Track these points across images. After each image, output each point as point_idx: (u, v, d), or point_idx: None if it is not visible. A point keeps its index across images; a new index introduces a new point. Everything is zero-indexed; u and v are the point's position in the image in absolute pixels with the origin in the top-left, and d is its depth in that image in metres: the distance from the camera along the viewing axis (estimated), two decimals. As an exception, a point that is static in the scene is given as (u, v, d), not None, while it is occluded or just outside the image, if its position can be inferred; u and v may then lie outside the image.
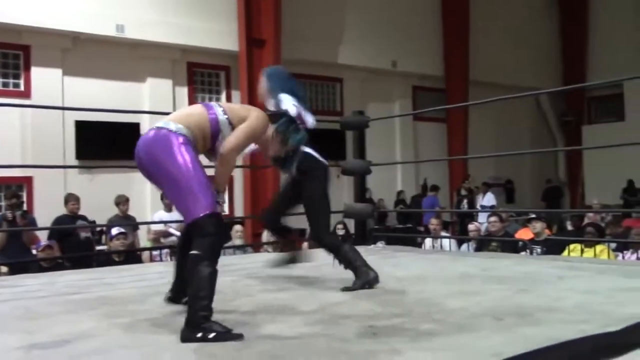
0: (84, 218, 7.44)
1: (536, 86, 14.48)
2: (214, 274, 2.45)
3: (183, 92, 11.55)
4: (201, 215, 2.48)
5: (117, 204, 8.07)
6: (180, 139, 2.57)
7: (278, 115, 3.00)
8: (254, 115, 2.77)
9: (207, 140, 2.70)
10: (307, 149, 3.67)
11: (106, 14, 10.30)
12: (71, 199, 7.54)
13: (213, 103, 2.82)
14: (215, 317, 2.46)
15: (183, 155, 2.54)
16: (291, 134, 2.98)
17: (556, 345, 1.42)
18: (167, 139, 2.57)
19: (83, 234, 7.39)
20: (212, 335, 2.35)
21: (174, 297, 2.95)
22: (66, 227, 7.15)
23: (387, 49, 13.96)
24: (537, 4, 17.57)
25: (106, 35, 10.39)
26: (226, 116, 2.72)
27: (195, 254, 2.45)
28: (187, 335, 2.37)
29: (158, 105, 10.07)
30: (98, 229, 9.05)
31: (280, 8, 11.59)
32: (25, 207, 9.98)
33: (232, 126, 2.72)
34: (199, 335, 2.35)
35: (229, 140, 2.68)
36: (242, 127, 2.71)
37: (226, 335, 2.38)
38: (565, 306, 2.85)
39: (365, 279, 3.44)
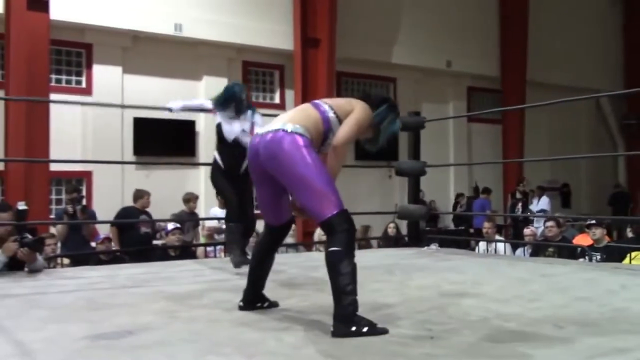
0: (147, 214, 7.59)
1: (596, 87, 14.06)
2: (355, 269, 2.51)
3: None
4: (335, 213, 2.53)
5: (187, 200, 8.10)
6: (304, 141, 2.62)
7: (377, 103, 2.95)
8: (359, 107, 2.82)
9: (320, 138, 2.76)
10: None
11: (165, 13, 10.52)
12: (144, 195, 7.69)
13: (320, 101, 2.87)
14: (268, 315, 2.48)
15: (311, 156, 2.59)
16: (389, 124, 2.98)
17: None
18: (293, 140, 2.61)
19: (143, 229, 7.53)
20: (365, 329, 2.43)
21: (247, 304, 2.96)
22: (125, 221, 7.30)
23: (442, 48, 13.80)
24: (600, 2, 17.07)
25: (165, 34, 10.61)
26: (334, 113, 2.78)
27: (337, 251, 2.49)
28: (342, 330, 2.42)
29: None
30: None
31: (335, 8, 11.60)
32: (84, 201, 10.34)
33: (340, 121, 2.78)
34: (354, 329, 2.42)
35: (341, 133, 2.74)
36: (351, 119, 2.77)
37: (375, 329, 2.46)
38: (629, 316, 2.76)
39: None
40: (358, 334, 2.40)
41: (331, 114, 2.77)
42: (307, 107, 2.86)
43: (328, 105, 2.81)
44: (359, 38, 12.38)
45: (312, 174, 2.55)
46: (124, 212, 7.60)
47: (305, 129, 2.66)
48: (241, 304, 2.95)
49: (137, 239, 7.33)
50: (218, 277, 4.14)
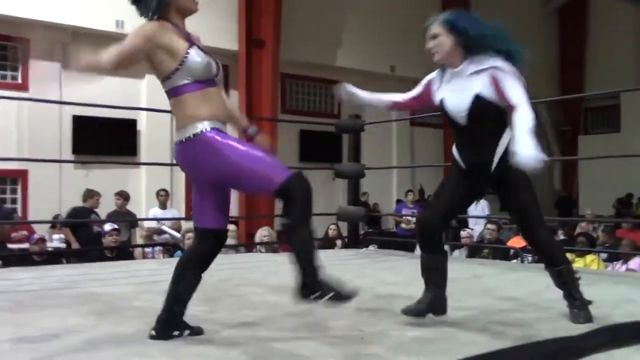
0: (96, 213, 7.51)
1: (533, 95, 14.46)
2: (312, 234, 2.39)
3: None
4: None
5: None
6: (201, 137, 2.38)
7: None
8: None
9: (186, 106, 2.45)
10: None
11: (106, 9, 10.29)
12: (94, 195, 7.61)
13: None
14: (203, 315, 2.47)
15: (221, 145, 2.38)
16: None
17: (516, 347, 1.46)
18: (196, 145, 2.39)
19: (96, 228, 7.42)
20: (329, 295, 2.29)
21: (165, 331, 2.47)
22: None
23: (386, 53, 13.99)
24: (536, 12, 17.64)
25: (106, 30, 10.39)
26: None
27: (289, 224, 2.34)
28: (304, 295, 2.33)
29: (155, 102, 9.99)
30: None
31: (280, 9, 11.62)
32: (19, 200, 10.03)
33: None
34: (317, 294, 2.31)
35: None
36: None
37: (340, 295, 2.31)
38: (550, 315, 2.87)
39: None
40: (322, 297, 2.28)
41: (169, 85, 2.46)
42: (172, 102, 2.49)
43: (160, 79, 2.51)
44: (303, 40, 12.43)
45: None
46: (74, 212, 7.54)
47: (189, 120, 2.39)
48: (153, 332, 2.45)
49: (89, 238, 7.22)
50: (152, 279, 4.09)
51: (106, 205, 8.31)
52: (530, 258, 6.17)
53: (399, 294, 3.47)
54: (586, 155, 16.70)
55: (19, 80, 10.16)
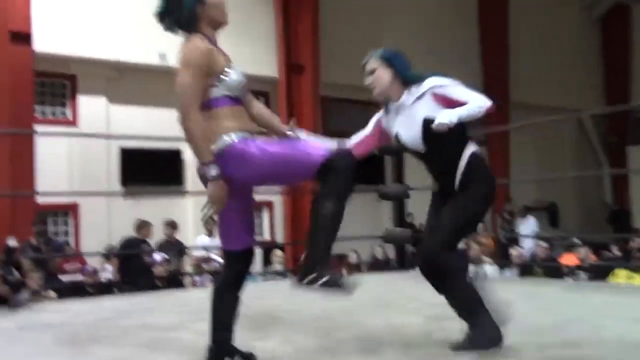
0: (147, 244, 7.60)
1: (579, 107, 14.23)
2: (339, 213, 2.28)
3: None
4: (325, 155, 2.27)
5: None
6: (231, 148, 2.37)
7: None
8: (183, 50, 2.47)
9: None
10: None
11: (149, 43, 10.53)
12: (147, 225, 7.71)
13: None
14: (255, 343, 2.47)
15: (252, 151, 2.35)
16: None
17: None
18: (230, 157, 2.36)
19: (147, 259, 7.51)
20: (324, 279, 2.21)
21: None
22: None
23: (427, 72, 13.90)
24: (579, 23, 17.36)
25: (149, 63, 10.65)
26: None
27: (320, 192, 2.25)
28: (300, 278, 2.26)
29: (199, 132, 10.23)
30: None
31: (318, 33, 11.72)
32: (72, 232, 10.27)
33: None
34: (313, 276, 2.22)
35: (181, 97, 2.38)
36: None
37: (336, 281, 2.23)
38: (606, 336, 2.77)
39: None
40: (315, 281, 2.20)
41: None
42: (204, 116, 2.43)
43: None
44: (343, 63, 12.47)
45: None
46: (127, 243, 7.65)
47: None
48: None
49: (140, 268, 7.29)
50: (202, 307, 4.12)
51: (155, 235, 8.44)
52: (584, 275, 6.00)
53: (448, 315, 3.40)
54: (637, 166, 16.22)
55: (68, 116, 10.46)
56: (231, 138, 2.34)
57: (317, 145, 2.36)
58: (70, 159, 10.21)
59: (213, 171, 2.30)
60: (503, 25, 15.23)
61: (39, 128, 9.52)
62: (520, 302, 3.80)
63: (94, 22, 10.13)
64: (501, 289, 4.39)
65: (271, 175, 2.34)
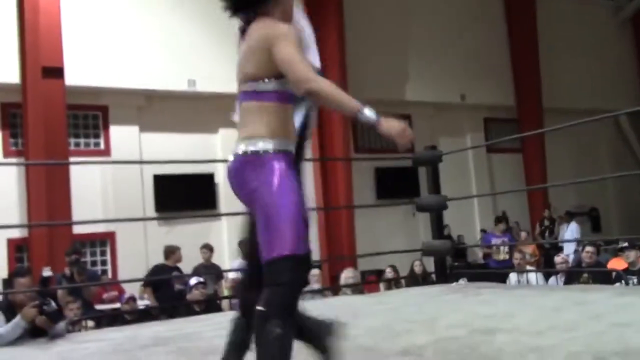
0: (178, 270, 7.52)
1: (614, 108, 13.88)
2: (286, 337, 1.98)
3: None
4: (283, 255, 2.03)
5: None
6: (273, 158, 2.20)
7: None
8: (279, 33, 2.21)
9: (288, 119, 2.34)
10: None
11: (178, 70, 10.67)
12: (175, 250, 7.62)
13: (242, 85, 2.29)
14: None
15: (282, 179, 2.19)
16: None
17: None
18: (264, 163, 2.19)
19: (177, 286, 7.45)
20: None
21: None
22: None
23: (455, 82, 13.79)
24: (607, 22, 17.02)
25: (179, 90, 10.75)
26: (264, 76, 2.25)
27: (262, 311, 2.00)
28: None
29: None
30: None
31: (344, 49, 11.70)
32: (109, 260, 10.34)
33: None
34: None
35: (294, 71, 2.13)
36: (285, 51, 2.16)
37: None
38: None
39: None
40: None
41: (263, 87, 2.21)
42: (246, 107, 2.25)
43: (251, 78, 2.21)
44: (370, 77, 12.44)
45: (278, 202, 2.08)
46: (156, 270, 7.58)
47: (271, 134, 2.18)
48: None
49: (170, 296, 7.26)
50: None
51: (191, 260, 8.43)
52: (635, 280, 5.77)
53: (497, 327, 3.26)
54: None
55: (102, 146, 10.59)
56: (276, 146, 2.16)
57: (302, 236, 2.08)
58: (105, 188, 10.32)
59: (371, 112, 2.08)
60: (532, 29, 15.03)
61: (72, 159, 9.68)
62: (570, 310, 3.64)
63: (123, 53, 10.30)
64: (548, 297, 4.23)
65: (261, 209, 2.11)
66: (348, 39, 11.99)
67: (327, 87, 2.10)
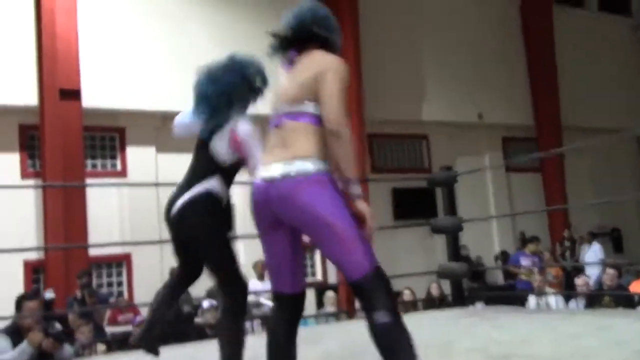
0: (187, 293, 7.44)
1: (635, 126, 13.72)
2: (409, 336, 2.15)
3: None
4: (369, 270, 2.14)
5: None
6: (324, 177, 2.25)
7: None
8: (330, 68, 2.34)
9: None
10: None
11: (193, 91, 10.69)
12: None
13: (285, 106, 2.36)
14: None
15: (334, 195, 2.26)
16: None
17: None
18: (314, 182, 2.22)
19: (186, 308, 7.39)
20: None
21: None
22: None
23: (472, 101, 13.70)
24: (627, 41, 16.86)
25: (195, 111, 10.77)
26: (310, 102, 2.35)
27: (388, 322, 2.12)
28: None
29: (245, 176, 10.24)
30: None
31: (361, 70, 11.68)
32: (125, 283, 10.31)
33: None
34: None
35: (331, 110, 2.23)
36: (331, 87, 2.28)
37: None
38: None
39: None
40: None
41: (311, 109, 2.27)
42: (292, 127, 2.27)
43: (301, 102, 2.27)
44: (387, 98, 12.40)
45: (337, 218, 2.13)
46: None
47: (317, 156, 2.22)
48: None
49: (178, 318, 7.18)
50: (249, 353, 3.95)
51: (206, 281, 8.35)
52: (659, 303, 5.59)
53: (514, 353, 3.14)
54: None
55: (118, 168, 10.62)
56: (325, 167, 2.22)
57: (371, 250, 2.18)
58: (121, 209, 10.32)
59: (359, 189, 2.20)
60: (549, 47, 14.92)
61: (89, 181, 9.71)
62: (591, 336, 3.50)
63: (139, 75, 10.36)
64: (568, 322, 4.09)
65: (324, 234, 2.14)
66: (364, 59, 11.98)
67: (349, 140, 2.21)
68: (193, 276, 3.05)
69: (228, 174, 2.90)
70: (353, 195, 2.19)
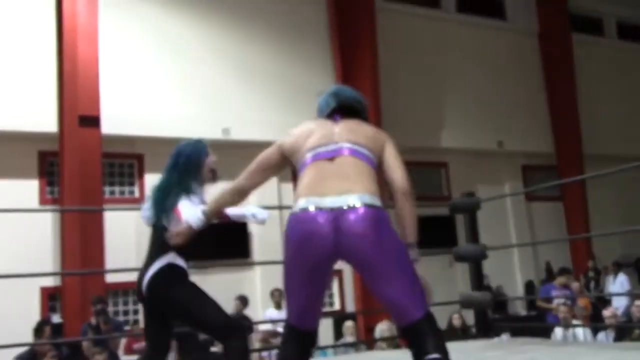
0: None
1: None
2: None
3: (288, 187, 11.64)
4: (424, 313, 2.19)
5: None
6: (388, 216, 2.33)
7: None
8: (386, 136, 2.65)
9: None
10: None
11: (213, 119, 10.69)
12: None
13: (350, 144, 2.40)
14: None
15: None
16: None
17: None
18: (385, 218, 2.26)
19: (202, 336, 7.26)
20: None
21: None
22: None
23: (492, 129, 13.57)
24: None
25: (213, 138, 10.74)
26: (372, 154, 2.52)
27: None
28: None
29: (264, 201, 10.14)
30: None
31: (379, 95, 11.62)
32: (140, 310, 10.20)
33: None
34: None
35: (401, 174, 2.44)
36: (395, 153, 2.56)
37: None
38: None
39: None
40: None
41: (373, 157, 2.41)
42: (354, 162, 2.30)
43: (364, 147, 2.38)
44: (405, 125, 12.30)
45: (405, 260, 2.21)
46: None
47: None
48: None
49: (195, 346, 7.07)
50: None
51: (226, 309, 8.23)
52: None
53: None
54: None
55: (136, 194, 10.60)
56: (383, 206, 2.27)
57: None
58: (139, 236, 10.23)
59: (417, 254, 2.29)
60: (570, 74, 14.81)
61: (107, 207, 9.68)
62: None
63: (158, 102, 10.41)
64: (600, 356, 3.91)
65: (385, 270, 2.13)
66: (383, 85, 11.94)
67: (414, 207, 2.40)
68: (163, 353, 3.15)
69: (182, 248, 3.12)
70: (414, 258, 2.27)
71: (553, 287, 9.55)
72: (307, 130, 2.47)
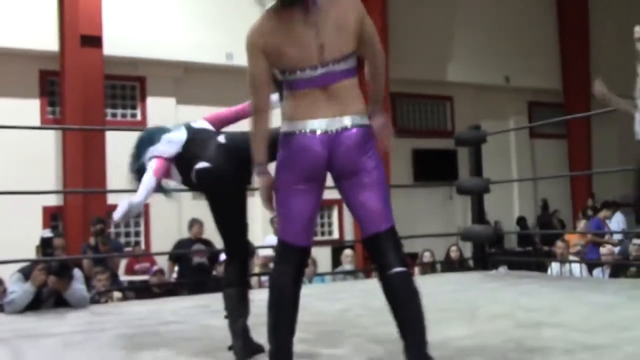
0: (206, 242, 7.37)
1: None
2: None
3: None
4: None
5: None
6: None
7: None
8: (363, 8, 2.40)
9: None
10: None
11: (216, 44, 10.49)
12: (195, 224, 7.54)
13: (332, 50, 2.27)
14: (323, 351, 2.19)
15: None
16: None
17: None
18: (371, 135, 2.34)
19: (196, 259, 7.34)
20: None
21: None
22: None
23: (499, 64, 13.32)
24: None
25: (216, 63, 10.58)
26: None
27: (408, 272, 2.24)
28: None
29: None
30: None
31: (387, 28, 11.36)
32: (143, 232, 10.31)
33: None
34: None
35: (379, 46, 2.38)
36: (373, 27, 2.40)
37: None
38: None
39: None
40: None
41: (354, 62, 2.32)
42: (343, 86, 2.28)
43: (349, 55, 2.27)
44: (412, 57, 12.08)
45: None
46: (178, 244, 7.48)
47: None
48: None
49: (190, 269, 7.15)
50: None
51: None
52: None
53: (544, 321, 3.01)
54: None
55: (138, 117, 10.52)
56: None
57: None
58: (140, 160, 10.25)
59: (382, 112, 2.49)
60: (583, 9, 14.43)
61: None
62: (624, 307, 3.36)
63: (161, 25, 10.17)
64: (597, 291, 3.94)
65: (377, 181, 2.29)
66: (391, 16, 11.65)
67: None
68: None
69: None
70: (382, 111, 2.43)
71: (598, 220, 9.38)
72: (277, 30, 2.26)
